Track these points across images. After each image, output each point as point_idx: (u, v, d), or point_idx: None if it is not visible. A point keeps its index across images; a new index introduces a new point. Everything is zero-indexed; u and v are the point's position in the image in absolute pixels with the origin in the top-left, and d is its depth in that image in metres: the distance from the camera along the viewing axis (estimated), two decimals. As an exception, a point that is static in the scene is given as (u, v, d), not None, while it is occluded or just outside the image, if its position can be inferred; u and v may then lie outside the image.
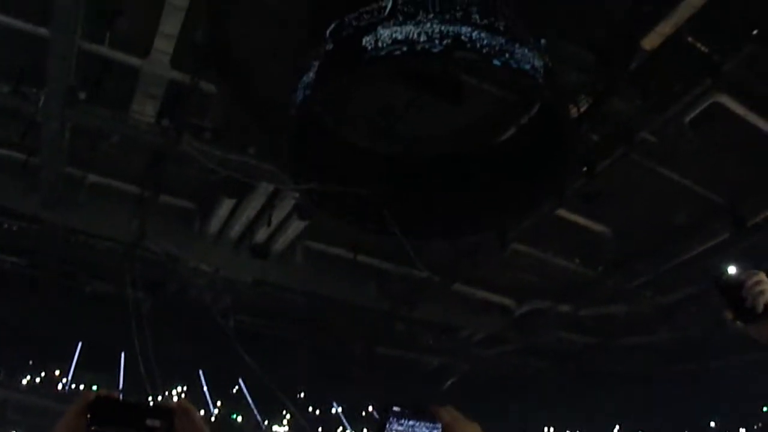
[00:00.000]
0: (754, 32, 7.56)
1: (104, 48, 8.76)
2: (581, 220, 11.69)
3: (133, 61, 9.04)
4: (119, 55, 8.97)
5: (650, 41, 7.89)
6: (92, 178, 11.26)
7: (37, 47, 8.38)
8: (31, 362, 17.39)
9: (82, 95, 8.94)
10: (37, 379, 17.60)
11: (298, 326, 15.60)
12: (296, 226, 11.70)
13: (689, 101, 8.66)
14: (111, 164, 11.04)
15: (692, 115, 8.86)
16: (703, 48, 8.08)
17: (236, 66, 8.59)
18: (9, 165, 10.63)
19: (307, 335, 15.79)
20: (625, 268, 12.97)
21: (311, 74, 7.28)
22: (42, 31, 8.32)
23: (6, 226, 11.96)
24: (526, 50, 7.01)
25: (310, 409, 19.87)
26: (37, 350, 16.66)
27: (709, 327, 13.75)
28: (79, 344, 16.47)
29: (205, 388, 18.75)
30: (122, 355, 15.19)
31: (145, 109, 9.49)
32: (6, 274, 13.54)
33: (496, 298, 14.61)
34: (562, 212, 11.11)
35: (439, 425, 1.74)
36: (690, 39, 7.96)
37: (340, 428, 20.34)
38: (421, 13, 6.86)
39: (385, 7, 6.94)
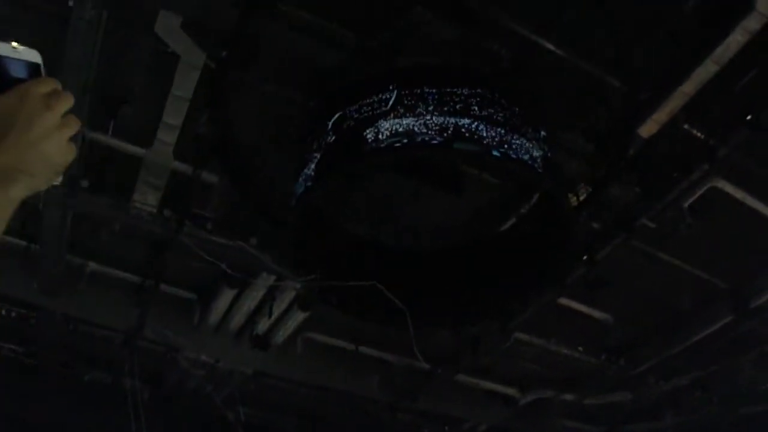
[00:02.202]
0: (748, 117, 7.67)
1: (107, 137, 8.85)
2: (583, 308, 11.63)
3: (137, 150, 9.13)
4: (122, 145, 9.06)
5: (647, 129, 7.99)
6: (92, 266, 11.25)
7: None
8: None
9: (85, 183, 8.98)
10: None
11: (299, 418, 15.36)
12: (297, 318, 11.62)
13: (687, 186, 8.71)
14: (112, 253, 11.04)
15: (691, 200, 8.90)
16: (698, 134, 8.19)
17: (237, 157, 8.67)
18: (10, 252, 10.62)
19: (308, 427, 15.53)
20: (629, 355, 12.84)
21: (312, 166, 7.36)
22: (47, 115, 8.40)
23: (4, 312, 11.88)
24: (525, 141, 7.10)
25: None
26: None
27: (715, 411, 13.60)
28: (77, 433, 16.15)
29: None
30: (119, 446, 14.89)
31: (147, 199, 9.52)
32: (3, 360, 13.40)
33: (499, 388, 14.41)
34: (564, 300, 11.07)
35: None
36: (686, 126, 8.07)
37: None
38: (421, 105, 6.98)
39: (386, 99, 7.06)
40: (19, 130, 1.47)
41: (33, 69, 1.59)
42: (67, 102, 1.56)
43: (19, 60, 1.58)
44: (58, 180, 1.59)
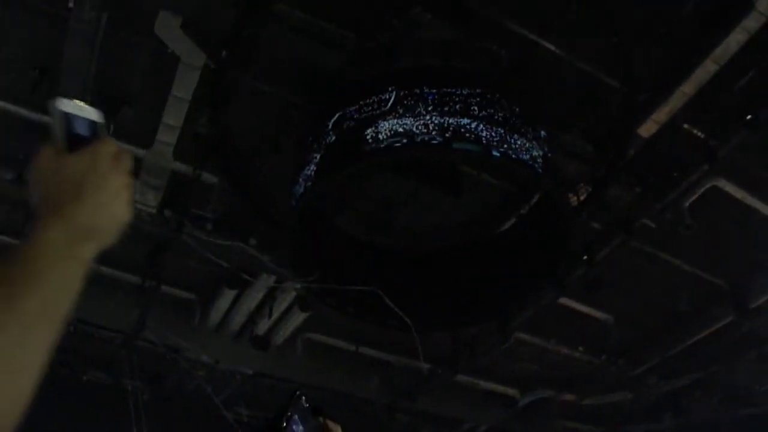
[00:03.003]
0: (748, 117, 7.67)
1: (108, 138, 8.83)
2: (583, 309, 11.63)
3: (137, 151, 9.12)
4: (123, 145, 9.01)
5: (647, 129, 8.00)
6: (92, 266, 11.22)
7: (41, 135, 8.45)
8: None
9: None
10: (32, 472, 17.21)
11: (299, 418, 15.34)
12: (297, 318, 11.62)
13: (687, 186, 8.70)
14: (112, 254, 10.86)
15: (691, 199, 8.92)
16: (698, 134, 8.19)
17: (237, 157, 8.68)
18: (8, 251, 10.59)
19: (308, 427, 15.52)
20: (629, 355, 12.86)
21: (312, 166, 7.36)
22: (47, 119, 8.41)
23: (4, 313, 11.85)
24: (525, 141, 7.11)
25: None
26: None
27: (716, 412, 13.61)
28: (75, 435, 16.13)
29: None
30: (119, 447, 14.88)
31: (147, 199, 9.52)
32: (2, 361, 13.37)
33: (499, 388, 14.40)
34: (564, 301, 11.06)
35: None
36: (686, 126, 8.08)
37: None
38: (420, 106, 6.98)
39: (386, 100, 7.07)
40: (94, 191, 1.55)
41: (95, 128, 1.65)
42: (129, 162, 1.69)
43: (84, 118, 1.62)
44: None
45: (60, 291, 1.50)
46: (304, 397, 1.67)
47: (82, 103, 1.62)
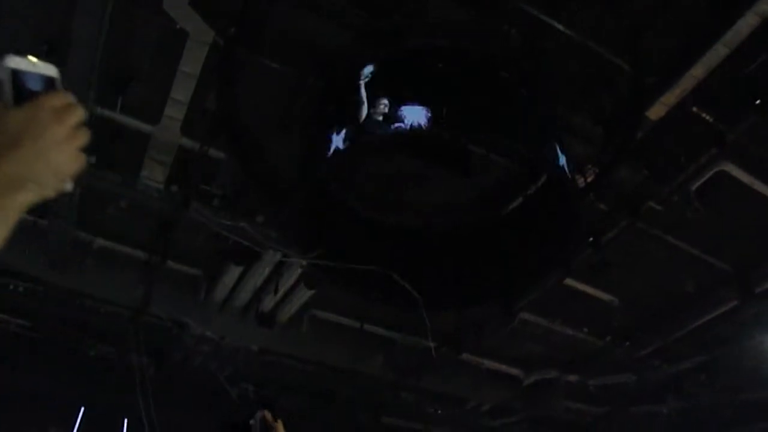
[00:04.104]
0: (757, 102, 7.64)
1: (116, 113, 8.86)
2: (589, 290, 11.64)
3: (144, 127, 9.14)
4: (130, 121, 9.06)
5: (655, 112, 7.97)
6: (100, 242, 11.28)
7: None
8: (32, 425, 17.15)
9: (93, 159, 8.99)
10: (39, 442, 17.37)
11: (303, 395, 15.41)
12: (303, 295, 11.65)
13: (695, 170, 8.70)
14: (119, 229, 11.07)
15: (698, 183, 8.89)
16: (707, 117, 8.16)
17: (245, 134, 8.67)
18: (17, 227, 10.62)
19: (313, 404, 15.60)
20: (634, 337, 12.88)
21: (320, 144, 7.35)
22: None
23: (12, 287, 11.92)
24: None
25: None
26: (39, 413, 16.45)
27: (719, 395, 13.63)
28: (82, 408, 16.27)
29: (208, 456, 18.47)
30: (125, 420, 14.99)
31: (154, 175, 9.55)
32: (10, 335, 13.46)
33: (503, 368, 14.45)
34: (570, 282, 11.07)
35: None
36: (694, 109, 8.05)
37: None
38: (431, 87, 6.97)
39: (398, 82, 7.06)
40: (30, 140, 1.54)
41: (49, 83, 1.63)
42: (78, 115, 1.63)
43: (35, 74, 1.62)
44: (68, 188, 1.64)
45: None
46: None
47: (35, 59, 1.62)
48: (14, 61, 1.59)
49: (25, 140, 1.54)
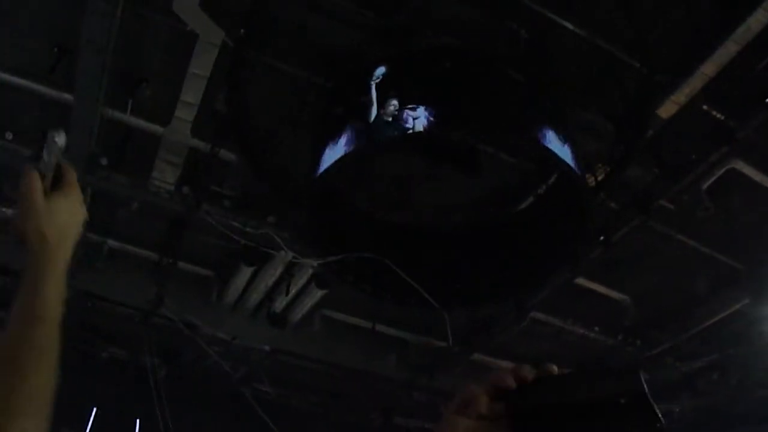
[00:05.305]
0: (767, 100, 7.61)
1: (126, 115, 8.89)
2: (600, 289, 11.62)
3: (155, 128, 9.17)
4: (141, 123, 9.10)
5: (666, 110, 7.95)
6: (111, 243, 11.31)
7: (59, 113, 8.52)
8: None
9: (104, 161, 9.03)
10: (52, 445, 17.40)
11: (316, 396, 15.42)
12: (314, 295, 11.66)
13: (706, 168, 8.66)
14: (130, 230, 11.11)
15: (709, 181, 8.85)
16: (718, 115, 8.14)
17: (255, 135, 8.69)
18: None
19: (325, 405, 15.60)
20: (645, 336, 12.83)
21: (330, 145, 7.36)
22: (66, 96, 8.47)
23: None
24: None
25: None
26: (51, 415, 16.52)
27: (732, 394, 13.57)
28: (94, 410, 16.33)
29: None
30: (137, 422, 15.04)
31: (165, 177, 9.58)
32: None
33: (515, 367, 14.42)
34: (581, 281, 11.05)
35: None
36: (705, 107, 8.02)
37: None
38: (442, 88, 6.98)
39: (410, 83, 7.06)
40: (75, 228, 1.90)
41: (57, 150, 1.77)
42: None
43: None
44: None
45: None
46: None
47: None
48: (60, 137, 1.62)
49: (72, 229, 1.83)
